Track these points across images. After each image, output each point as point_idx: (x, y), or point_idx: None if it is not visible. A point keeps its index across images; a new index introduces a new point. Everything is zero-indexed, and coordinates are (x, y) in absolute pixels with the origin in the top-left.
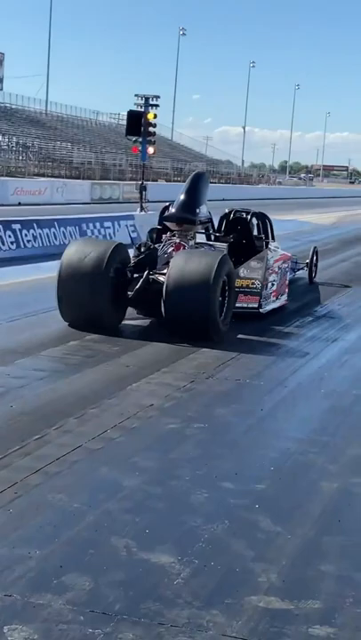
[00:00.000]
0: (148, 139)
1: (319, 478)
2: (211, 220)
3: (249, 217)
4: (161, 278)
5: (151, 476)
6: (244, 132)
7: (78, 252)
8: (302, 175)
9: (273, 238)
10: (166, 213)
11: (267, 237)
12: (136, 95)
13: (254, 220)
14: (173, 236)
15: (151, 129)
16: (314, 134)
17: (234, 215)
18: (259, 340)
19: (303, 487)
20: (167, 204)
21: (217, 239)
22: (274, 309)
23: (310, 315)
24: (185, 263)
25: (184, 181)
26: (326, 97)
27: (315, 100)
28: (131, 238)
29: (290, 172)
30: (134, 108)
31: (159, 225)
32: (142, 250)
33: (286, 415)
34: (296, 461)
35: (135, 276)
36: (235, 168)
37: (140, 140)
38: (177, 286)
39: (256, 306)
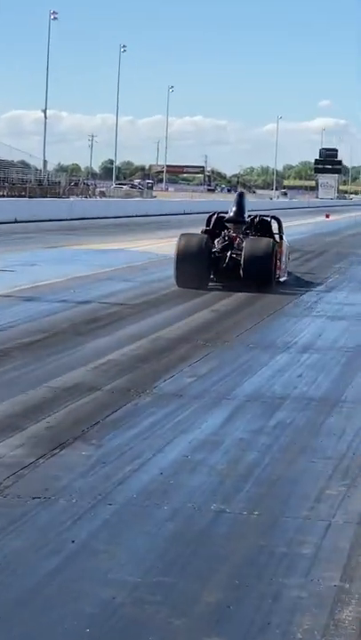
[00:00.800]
0: None
1: None
2: (247, 222)
3: (269, 219)
4: (235, 256)
5: None
6: (45, 119)
7: (186, 241)
8: (137, 181)
9: (283, 234)
10: (226, 217)
11: (281, 233)
12: None
13: (273, 222)
14: (230, 231)
15: None
16: (152, 119)
17: (259, 219)
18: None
19: None
20: (212, 213)
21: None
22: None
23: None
24: (252, 246)
25: None
26: (169, 71)
27: (152, 71)
28: None
29: (118, 177)
30: None
31: (207, 227)
32: (223, 240)
33: None
34: None
35: (218, 255)
36: (32, 172)
37: None
38: (251, 258)
39: (278, 276)
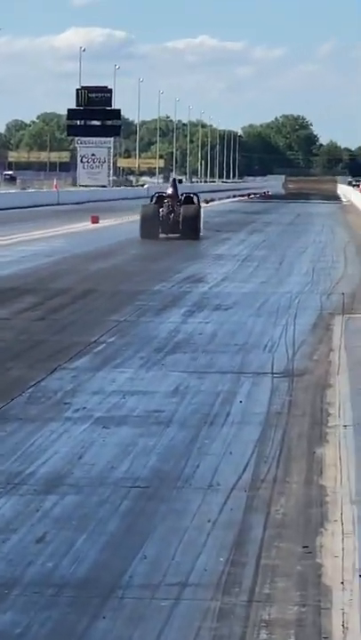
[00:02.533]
0: None
1: None
2: (179, 197)
3: (192, 195)
4: (175, 218)
5: None
6: None
7: (144, 210)
8: None
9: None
10: (165, 194)
11: (199, 204)
12: None
13: (194, 197)
14: (169, 202)
15: None
16: None
17: (185, 195)
18: None
19: None
20: (157, 191)
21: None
22: None
23: None
24: (186, 211)
25: None
26: None
27: None
28: None
29: None
30: None
31: (151, 201)
32: (167, 208)
33: None
34: None
35: (164, 218)
36: None
37: None
38: (186, 219)
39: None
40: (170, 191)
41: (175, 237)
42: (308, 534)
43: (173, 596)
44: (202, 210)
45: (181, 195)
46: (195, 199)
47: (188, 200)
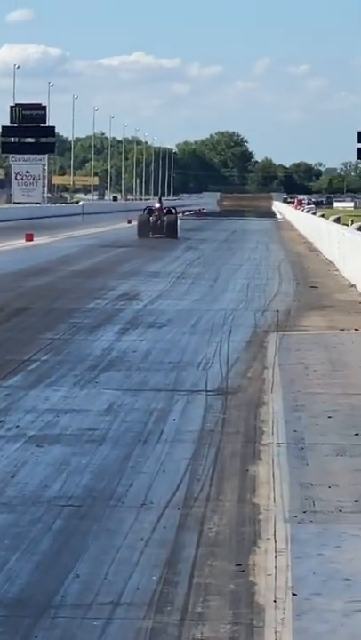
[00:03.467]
0: None
1: None
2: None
3: (172, 209)
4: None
5: None
6: None
7: (140, 217)
8: None
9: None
10: (154, 207)
11: (177, 214)
12: None
13: (173, 209)
14: (156, 213)
15: None
16: None
17: (167, 208)
18: None
19: None
20: (148, 206)
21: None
22: None
23: None
24: (168, 219)
25: None
26: None
27: None
28: None
29: None
30: None
31: (144, 211)
32: (155, 217)
33: None
34: None
35: (153, 223)
36: None
37: None
38: (169, 224)
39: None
40: (157, 205)
41: (160, 237)
42: (242, 552)
43: (106, 616)
44: (178, 218)
45: (165, 208)
46: (173, 211)
47: (169, 212)
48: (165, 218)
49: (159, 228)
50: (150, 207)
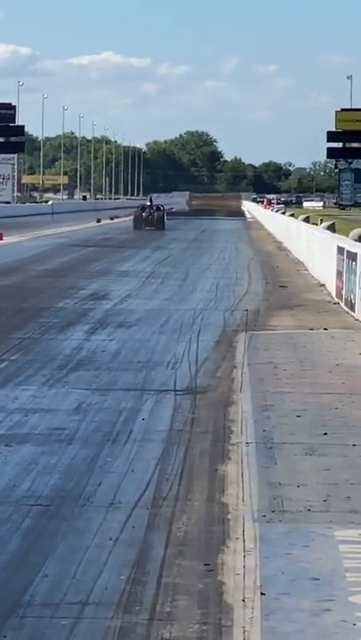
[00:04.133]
0: None
1: None
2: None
3: (160, 206)
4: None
5: None
6: None
7: (136, 213)
8: None
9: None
10: (147, 205)
11: (165, 210)
12: None
13: (161, 206)
14: (149, 209)
15: None
16: None
17: (156, 206)
18: None
19: None
20: (141, 204)
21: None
22: None
23: None
24: (158, 214)
25: None
26: None
27: None
28: None
29: None
30: None
31: (139, 208)
32: (148, 212)
33: None
34: None
35: (146, 217)
36: None
37: None
38: (159, 218)
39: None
40: (149, 203)
41: (152, 229)
42: (210, 552)
43: (74, 615)
44: (165, 214)
45: (155, 206)
46: (161, 208)
47: (158, 209)
48: (155, 213)
49: (150, 221)
50: (143, 205)
